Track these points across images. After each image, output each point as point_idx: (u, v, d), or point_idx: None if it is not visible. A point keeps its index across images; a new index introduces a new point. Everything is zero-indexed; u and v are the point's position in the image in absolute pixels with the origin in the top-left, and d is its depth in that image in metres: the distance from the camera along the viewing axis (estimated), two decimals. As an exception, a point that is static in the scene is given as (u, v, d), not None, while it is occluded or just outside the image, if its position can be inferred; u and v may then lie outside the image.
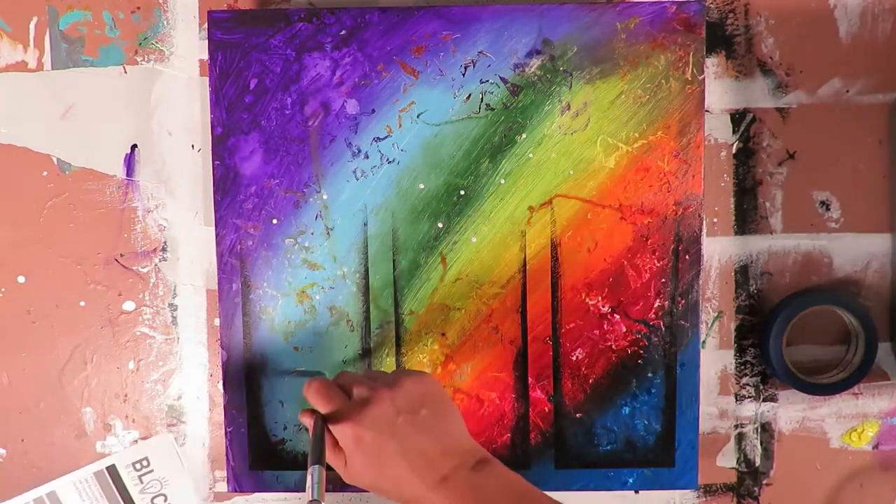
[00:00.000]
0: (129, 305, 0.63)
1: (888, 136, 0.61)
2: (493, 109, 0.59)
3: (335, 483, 0.61)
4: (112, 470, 0.60)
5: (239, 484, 0.61)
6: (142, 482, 0.60)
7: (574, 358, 0.60)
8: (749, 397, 0.63)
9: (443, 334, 0.61)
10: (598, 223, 0.60)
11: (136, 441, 0.63)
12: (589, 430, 0.61)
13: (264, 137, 0.60)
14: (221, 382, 0.61)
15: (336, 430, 0.51)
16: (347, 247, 0.60)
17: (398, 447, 0.50)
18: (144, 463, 0.60)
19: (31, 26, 0.62)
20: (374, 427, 0.50)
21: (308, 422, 0.53)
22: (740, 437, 0.63)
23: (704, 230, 0.61)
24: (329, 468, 0.52)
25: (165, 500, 0.60)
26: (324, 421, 0.51)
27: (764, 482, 0.63)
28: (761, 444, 0.63)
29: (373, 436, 0.50)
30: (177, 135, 0.62)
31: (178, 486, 0.59)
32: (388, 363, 0.60)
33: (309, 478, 0.48)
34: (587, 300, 0.60)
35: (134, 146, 0.63)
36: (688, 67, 0.59)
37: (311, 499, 0.48)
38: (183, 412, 0.63)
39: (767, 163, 0.62)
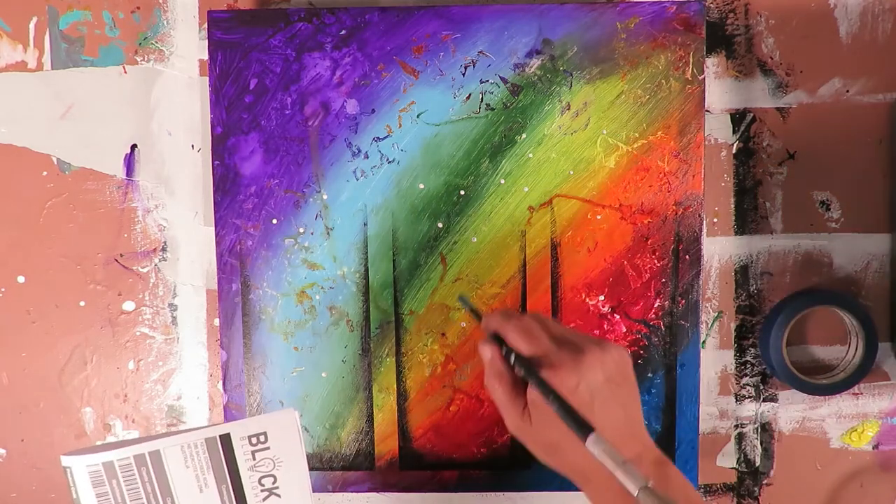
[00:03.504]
0: (129, 305, 0.63)
1: (888, 136, 0.61)
2: (493, 109, 0.59)
3: (333, 484, 0.61)
4: (225, 439, 0.52)
5: (239, 484, 0.61)
6: (254, 458, 0.52)
7: (574, 358, 0.60)
8: (749, 397, 0.63)
9: (443, 334, 0.61)
10: (598, 223, 0.60)
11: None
12: (589, 430, 0.61)
13: (264, 137, 0.60)
14: (221, 382, 0.61)
15: (540, 377, 0.46)
16: (347, 247, 0.60)
17: (598, 413, 0.46)
18: (262, 438, 0.53)
19: (31, 26, 0.62)
20: (584, 383, 0.46)
21: (491, 352, 0.48)
22: (740, 437, 0.63)
23: (704, 230, 0.61)
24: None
25: (274, 483, 0.53)
26: (529, 364, 0.47)
27: (764, 482, 0.63)
28: (761, 444, 0.63)
29: (581, 393, 0.45)
30: (177, 135, 0.62)
31: (292, 470, 0.53)
32: (387, 363, 0.60)
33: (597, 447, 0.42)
34: (587, 300, 0.60)
35: (134, 146, 0.63)
36: (688, 67, 0.59)
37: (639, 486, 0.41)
38: (183, 412, 0.63)
39: (767, 163, 0.62)
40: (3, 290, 0.63)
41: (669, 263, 0.60)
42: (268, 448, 0.52)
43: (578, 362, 0.46)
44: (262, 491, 0.52)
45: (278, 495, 0.53)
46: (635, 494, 0.41)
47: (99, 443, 0.64)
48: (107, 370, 0.64)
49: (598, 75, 0.59)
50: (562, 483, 0.61)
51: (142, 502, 0.51)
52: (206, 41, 0.60)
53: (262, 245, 0.60)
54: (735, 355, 0.63)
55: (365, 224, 0.60)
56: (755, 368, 0.63)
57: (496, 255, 0.60)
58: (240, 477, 0.52)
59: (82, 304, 0.63)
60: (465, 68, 0.59)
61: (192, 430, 0.52)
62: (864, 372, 0.60)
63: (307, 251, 0.60)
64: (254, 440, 0.52)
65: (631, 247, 0.60)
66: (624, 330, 0.60)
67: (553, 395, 0.46)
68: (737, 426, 0.63)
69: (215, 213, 0.60)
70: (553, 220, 0.60)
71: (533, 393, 0.47)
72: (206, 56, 0.62)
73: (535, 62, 0.59)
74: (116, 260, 0.63)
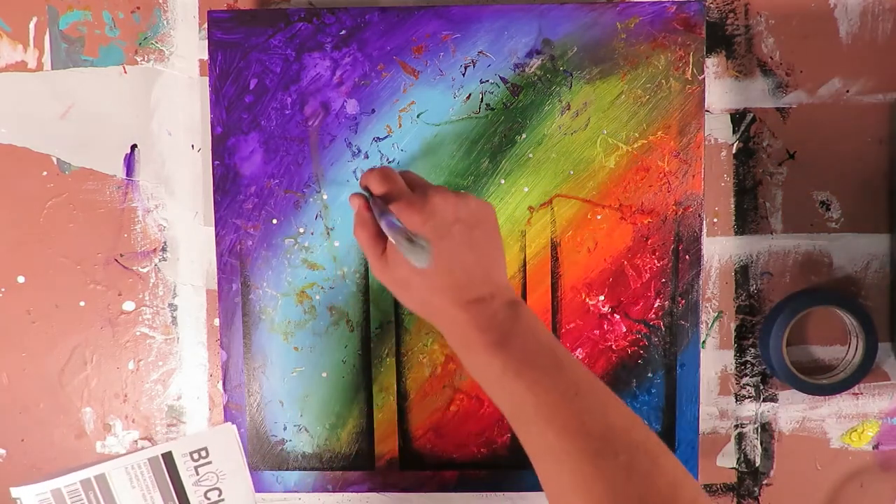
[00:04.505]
0: (129, 305, 0.63)
1: (888, 136, 0.61)
2: (493, 109, 0.59)
3: (334, 484, 0.61)
4: (168, 457, 0.55)
5: (239, 484, 0.61)
6: (197, 474, 0.55)
7: (574, 358, 0.60)
8: (749, 397, 0.63)
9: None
10: (598, 223, 0.60)
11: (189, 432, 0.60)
12: (589, 430, 0.61)
13: (264, 137, 0.60)
14: (221, 382, 0.61)
15: (393, 211, 0.48)
16: (347, 247, 0.60)
17: (445, 252, 0.47)
18: (203, 454, 0.55)
19: (31, 26, 0.62)
20: (431, 222, 0.47)
21: (358, 202, 0.50)
22: (740, 437, 0.63)
23: (704, 230, 0.61)
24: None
25: (219, 495, 0.55)
26: (383, 201, 0.49)
27: (764, 482, 0.63)
28: (761, 444, 0.63)
29: (427, 230, 0.47)
30: (177, 135, 0.62)
31: (235, 481, 0.56)
32: (388, 363, 0.60)
33: (404, 242, 0.45)
34: (587, 300, 0.60)
35: (134, 146, 0.63)
36: (688, 67, 0.59)
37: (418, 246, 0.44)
38: (183, 412, 0.63)
39: (767, 163, 0.62)
40: (3, 290, 0.63)
41: (669, 263, 0.60)
42: (210, 462, 0.55)
43: (427, 201, 0.48)
44: None
45: None
46: (413, 260, 0.44)
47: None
48: (107, 370, 0.64)
49: (598, 75, 0.59)
50: (562, 483, 0.61)
51: None
52: (206, 41, 0.60)
53: (262, 245, 0.60)
54: (735, 355, 0.63)
55: (365, 224, 0.60)
56: (755, 368, 0.63)
57: (496, 255, 0.60)
58: (185, 493, 0.54)
59: (82, 304, 0.63)
60: (465, 68, 0.59)
61: (135, 452, 0.54)
62: (864, 372, 0.60)
63: (307, 251, 0.60)
64: (195, 456, 0.54)
65: (631, 247, 0.60)
66: (624, 330, 0.60)
67: (381, 211, 0.47)
68: (737, 426, 0.63)
69: (215, 213, 0.60)
70: (553, 220, 0.60)
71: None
72: (206, 56, 0.62)
73: (535, 62, 0.59)
74: (116, 260, 0.63)
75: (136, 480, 0.54)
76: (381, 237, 0.49)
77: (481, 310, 0.47)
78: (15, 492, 0.52)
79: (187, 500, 0.54)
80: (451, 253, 0.47)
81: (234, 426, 0.54)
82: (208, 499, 0.55)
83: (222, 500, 0.55)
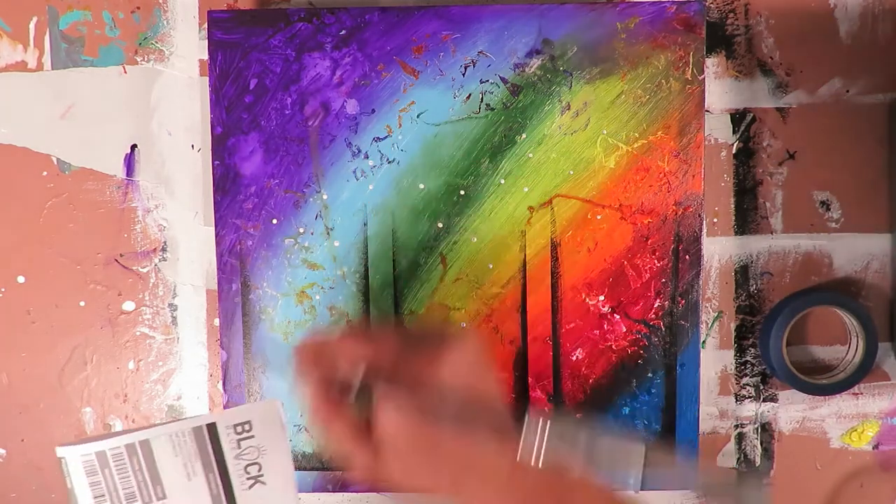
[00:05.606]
0: (128, 305, 0.63)
1: (888, 136, 0.61)
2: (493, 109, 0.59)
3: (334, 484, 0.61)
4: (212, 428, 0.54)
5: (239, 484, 0.61)
6: (239, 447, 0.54)
7: (574, 358, 0.60)
8: (749, 397, 0.63)
9: (443, 334, 0.61)
10: (598, 223, 0.60)
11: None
12: (589, 430, 0.61)
13: (264, 137, 0.60)
14: (221, 382, 0.61)
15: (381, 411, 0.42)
16: (347, 247, 0.60)
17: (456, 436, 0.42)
18: (247, 427, 0.54)
19: (31, 26, 0.62)
20: (431, 414, 0.42)
21: (314, 385, 0.45)
22: (740, 437, 0.63)
23: (704, 230, 0.61)
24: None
25: (259, 470, 0.54)
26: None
27: (764, 482, 0.63)
28: (761, 444, 0.63)
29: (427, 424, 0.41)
30: (177, 135, 0.62)
31: (275, 458, 0.55)
32: (388, 363, 0.60)
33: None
34: (587, 300, 0.60)
35: (134, 146, 0.63)
36: (688, 67, 0.59)
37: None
38: (183, 412, 0.63)
39: (767, 163, 0.62)
40: (3, 290, 0.63)
41: (669, 263, 0.60)
42: (252, 437, 0.54)
43: (415, 394, 0.43)
44: (247, 479, 0.54)
45: (263, 482, 0.54)
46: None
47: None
48: (107, 370, 0.64)
49: (598, 75, 0.59)
50: (562, 483, 0.61)
51: (132, 490, 0.52)
52: (206, 41, 0.60)
53: (262, 245, 0.60)
54: (735, 355, 0.63)
55: (365, 224, 0.60)
56: (755, 368, 0.63)
57: (496, 255, 0.60)
58: (226, 465, 0.54)
59: (82, 304, 0.63)
60: (465, 68, 0.59)
61: (179, 420, 0.53)
62: (864, 372, 0.60)
63: (307, 251, 0.60)
64: (239, 429, 0.53)
65: (631, 247, 0.60)
66: (624, 330, 0.60)
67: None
68: (737, 426, 0.63)
69: (215, 213, 0.60)
70: (553, 220, 0.60)
71: (391, 422, 0.43)
72: (206, 56, 0.62)
73: (535, 62, 0.59)
74: (116, 260, 0.63)
75: (178, 448, 0.53)
76: (364, 435, 0.44)
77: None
78: (60, 451, 0.52)
79: (227, 472, 0.54)
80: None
81: (279, 402, 0.54)
82: (248, 473, 0.54)
83: (262, 475, 0.54)
